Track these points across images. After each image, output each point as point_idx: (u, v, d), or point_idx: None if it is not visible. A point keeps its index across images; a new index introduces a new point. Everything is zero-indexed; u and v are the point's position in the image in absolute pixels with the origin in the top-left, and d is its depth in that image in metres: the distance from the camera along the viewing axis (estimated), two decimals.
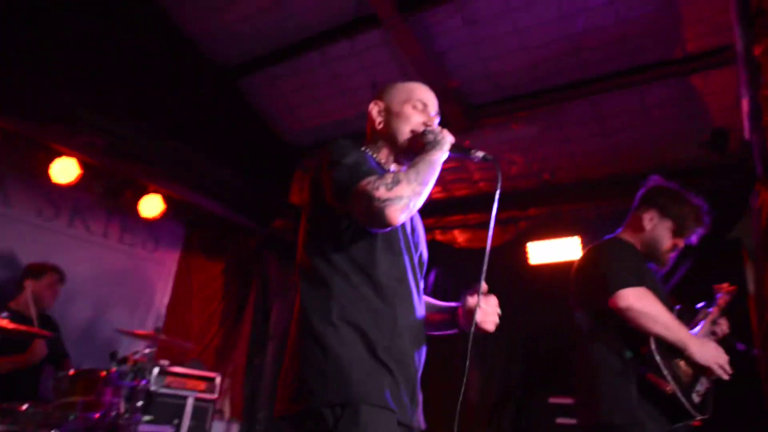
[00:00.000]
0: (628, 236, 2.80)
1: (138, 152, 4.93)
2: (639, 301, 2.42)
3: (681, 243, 2.76)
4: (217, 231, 6.09)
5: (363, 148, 1.95)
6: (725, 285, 3.08)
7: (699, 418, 2.49)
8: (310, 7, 4.85)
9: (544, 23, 4.46)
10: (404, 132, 1.94)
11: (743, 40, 2.61)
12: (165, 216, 5.50)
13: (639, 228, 2.78)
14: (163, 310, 5.92)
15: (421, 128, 1.92)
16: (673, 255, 2.80)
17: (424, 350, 1.85)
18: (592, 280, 2.63)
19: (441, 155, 1.79)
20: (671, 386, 2.38)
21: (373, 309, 1.69)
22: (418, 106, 1.99)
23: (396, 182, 1.62)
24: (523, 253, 5.23)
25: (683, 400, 2.41)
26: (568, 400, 4.62)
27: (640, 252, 2.77)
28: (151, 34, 5.03)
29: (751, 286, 4.32)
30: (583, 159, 5.42)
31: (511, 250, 5.30)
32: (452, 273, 5.70)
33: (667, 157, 5.20)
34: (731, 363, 2.89)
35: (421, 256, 1.99)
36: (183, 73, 5.27)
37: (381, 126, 2.00)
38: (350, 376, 1.57)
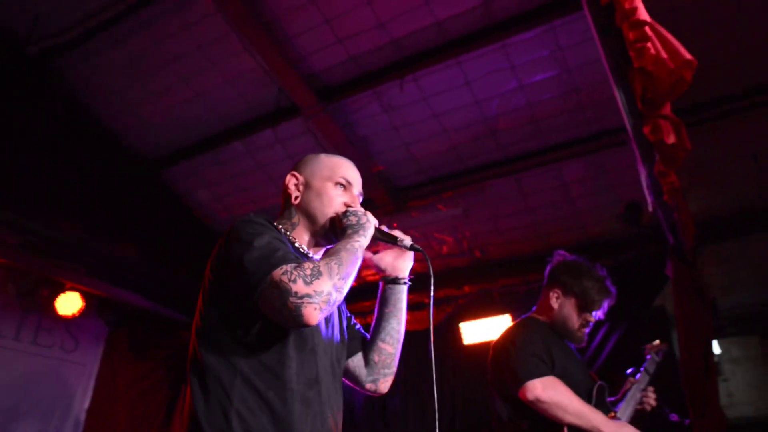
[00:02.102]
0: (540, 315, 2.79)
1: (53, 249, 4.73)
2: (546, 392, 2.37)
3: (590, 317, 2.75)
4: (144, 327, 5.82)
5: (277, 225, 1.74)
6: (656, 342, 3.05)
7: None
8: (231, 98, 4.91)
9: (460, 108, 4.63)
10: (325, 213, 1.74)
11: (630, 121, 2.74)
12: (85, 314, 5.23)
13: (548, 307, 2.77)
14: (82, 416, 5.52)
15: (343, 209, 1.74)
16: (586, 330, 2.79)
17: None
18: (503, 368, 2.58)
19: (364, 241, 1.62)
20: None
21: (279, 419, 1.44)
22: (342, 184, 1.80)
23: (316, 275, 1.41)
24: (457, 334, 5.18)
25: None
26: None
27: (554, 331, 2.75)
28: (70, 127, 4.96)
29: (678, 353, 4.37)
30: (512, 235, 5.51)
31: (445, 331, 5.24)
32: None
33: (590, 230, 5.35)
34: None
35: (338, 348, 1.75)
36: (103, 166, 5.18)
37: (298, 201, 1.78)
38: None
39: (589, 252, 5.02)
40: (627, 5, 1.84)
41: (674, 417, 3.80)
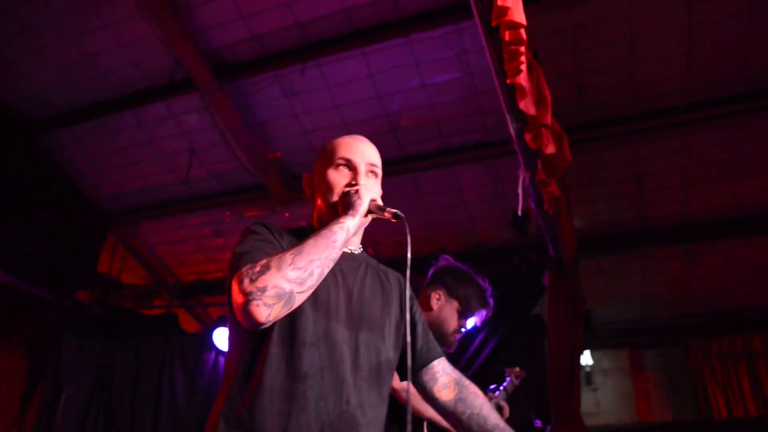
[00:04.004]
0: None
1: None
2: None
3: (465, 324, 2.75)
4: (4, 304, 5.32)
5: (304, 227, 1.70)
6: (516, 369, 3.11)
7: None
8: (123, 64, 4.58)
9: (362, 100, 4.56)
10: (331, 203, 1.65)
11: (514, 127, 2.75)
12: None
13: (427, 307, 2.73)
14: None
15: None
16: (458, 336, 2.78)
17: None
18: None
19: (350, 220, 1.52)
20: None
21: (256, 420, 1.40)
22: (341, 165, 1.68)
23: (263, 270, 1.36)
24: None
25: None
26: None
27: None
28: None
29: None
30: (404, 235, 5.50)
31: None
32: None
33: (481, 236, 5.44)
34: None
35: (368, 341, 1.59)
36: None
37: (313, 200, 1.74)
38: None
39: (478, 258, 5.10)
40: (500, 2, 1.80)
41: (538, 423, 3.90)
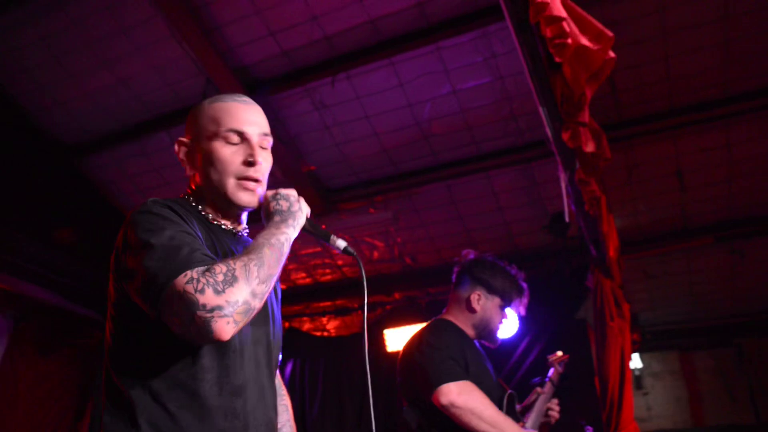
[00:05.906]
0: (453, 318, 2.69)
1: None
2: (461, 396, 2.25)
3: (506, 317, 2.71)
4: (54, 323, 5.46)
5: (189, 200, 1.50)
6: (559, 353, 3.02)
7: None
8: (157, 86, 4.68)
9: (392, 110, 4.54)
10: (225, 183, 1.43)
11: (551, 127, 2.70)
12: None
13: (467, 308, 2.67)
14: None
15: (246, 173, 1.43)
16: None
17: None
18: (416, 370, 2.46)
19: (293, 233, 1.40)
20: None
21: None
22: (233, 140, 1.45)
23: (230, 281, 1.17)
24: (381, 341, 5.07)
25: None
26: None
27: (469, 334, 2.66)
28: None
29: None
30: (441, 243, 5.47)
31: (368, 338, 5.13)
32: (313, 363, 5.40)
33: (518, 241, 5.36)
34: None
35: (274, 337, 1.50)
36: (13, 148, 4.84)
37: (193, 174, 1.50)
38: None
39: (516, 263, 5.01)
40: None
41: (589, 429, 3.78)
